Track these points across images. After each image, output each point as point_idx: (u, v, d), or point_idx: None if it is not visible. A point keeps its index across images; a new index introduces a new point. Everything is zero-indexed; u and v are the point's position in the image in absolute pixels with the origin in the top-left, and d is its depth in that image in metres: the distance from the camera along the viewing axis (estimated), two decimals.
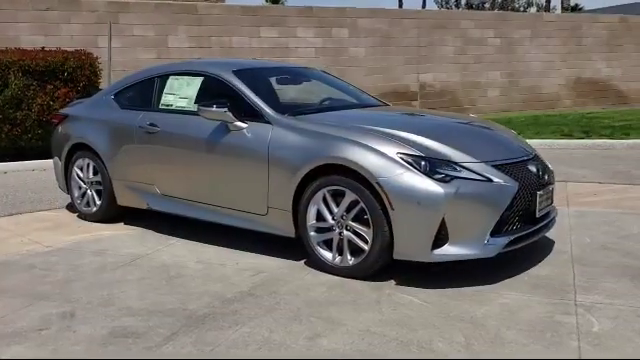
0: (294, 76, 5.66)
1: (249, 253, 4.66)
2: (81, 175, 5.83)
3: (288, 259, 4.49)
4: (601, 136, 10.53)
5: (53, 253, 4.83)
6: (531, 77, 16.21)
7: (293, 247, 4.56)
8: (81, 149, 5.78)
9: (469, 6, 40.55)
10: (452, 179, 3.76)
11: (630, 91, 17.83)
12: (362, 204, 3.90)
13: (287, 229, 4.37)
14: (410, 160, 3.82)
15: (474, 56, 15.30)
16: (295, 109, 4.82)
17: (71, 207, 6.36)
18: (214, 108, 4.57)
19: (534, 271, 4.13)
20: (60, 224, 5.76)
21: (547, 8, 35.18)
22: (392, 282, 3.96)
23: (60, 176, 6.07)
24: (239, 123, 4.59)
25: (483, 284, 3.90)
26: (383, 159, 3.85)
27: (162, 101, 5.27)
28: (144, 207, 5.38)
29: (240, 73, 4.98)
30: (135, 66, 10.92)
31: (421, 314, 3.48)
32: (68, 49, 9.95)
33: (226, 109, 4.55)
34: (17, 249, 4.95)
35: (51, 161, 9.63)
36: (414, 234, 3.75)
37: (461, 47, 15.11)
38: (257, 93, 4.73)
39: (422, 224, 3.71)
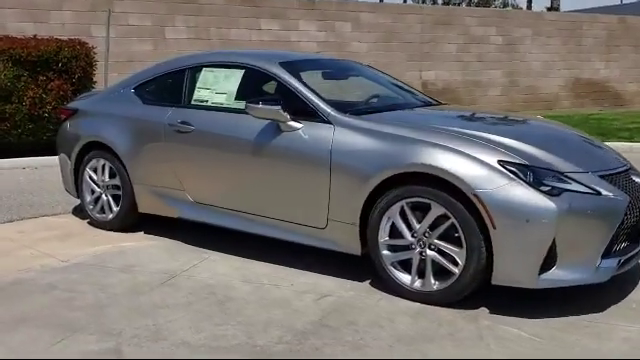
0: (340, 70, 5.08)
1: (301, 271, 4.10)
2: (95, 178, 5.19)
3: (349, 279, 3.93)
4: (619, 139, 10.17)
5: (72, 269, 4.20)
6: (531, 77, 15.88)
7: (350, 264, 4.01)
8: (95, 148, 5.14)
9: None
10: (561, 192, 3.25)
11: (626, 93, 17.65)
12: (453, 220, 3.36)
13: (351, 245, 3.81)
14: (514, 169, 3.29)
15: (476, 54, 14.89)
16: (355, 107, 4.26)
17: (79, 212, 5.72)
18: (265, 105, 3.99)
19: (638, 296, 3.65)
20: (71, 232, 5.11)
21: (529, 7, 35.09)
22: (484, 310, 3.43)
23: (68, 178, 5.40)
24: (293, 123, 4.01)
25: (588, 312, 3.40)
26: (482, 168, 3.31)
27: (195, 96, 4.65)
28: (172, 215, 4.77)
29: (288, 66, 4.40)
30: (129, 58, 10.26)
31: (537, 352, 2.96)
32: (60, 38, 9.20)
33: (279, 107, 3.97)
34: (29, 264, 4.30)
35: (44, 159, 8.97)
36: (519, 256, 3.22)
37: (464, 45, 14.69)
38: (310, 89, 4.16)
39: (530, 245, 3.19)
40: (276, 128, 4.08)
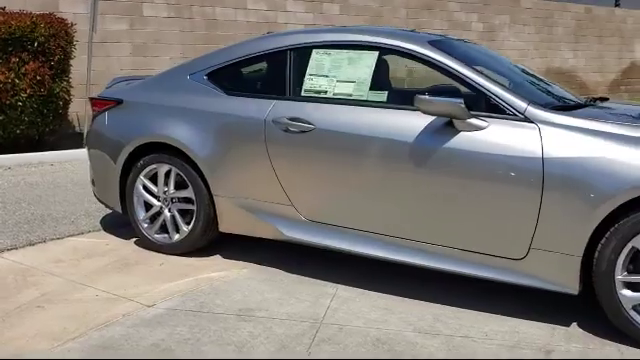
0: (483, 55, 4.02)
1: (479, 312, 3.18)
2: (153, 189, 4.03)
3: (550, 322, 3.06)
4: None
5: (170, 319, 3.09)
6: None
7: (531, 299, 3.15)
8: (155, 151, 3.98)
9: None
10: None
11: (590, 82, 17.65)
12: None
13: (564, 281, 2.93)
14: None
15: None
16: (549, 101, 3.37)
17: (112, 227, 4.56)
18: (443, 99, 3.03)
19: None
20: (125, 260, 3.94)
21: None
22: None
23: (110, 187, 4.19)
24: (475, 121, 3.07)
25: None
26: None
27: (306, 85, 3.60)
28: (270, 236, 3.71)
29: (442, 47, 3.44)
30: (102, 38, 8.87)
31: None
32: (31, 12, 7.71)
33: (461, 100, 3.02)
34: (105, 313, 3.15)
35: (19, 157, 7.47)
36: None
37: (447, 31, 14.01)
38: (487, 76, 3.23)
39: None
40: (445, 127, 3.13)
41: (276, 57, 3.75)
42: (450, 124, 3.11)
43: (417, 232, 3.24)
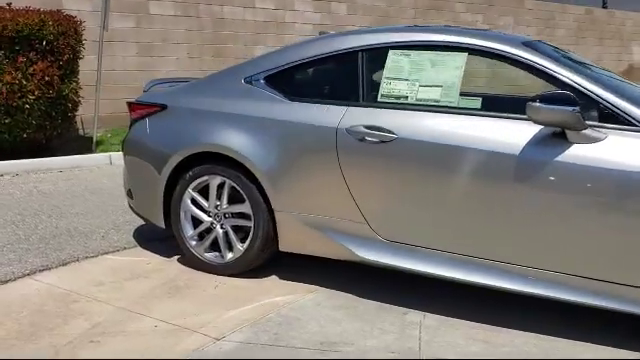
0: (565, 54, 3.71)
1: (597, 346, 2.85)
2: (203, 203, 3.66)
3: None
4: None
5: (247, 354, 2.73)
6: (511, 68, 15.24)
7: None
8: (206, 162, 3.61)
9: None
10: None
11: None
12: None
13: None
14: None
15: None
16: None
17: (148, 242, 4.19)
18: (557, 107, 2.70)
19: None
20: (174, 282, 3.56)
21: None
22: None
23: (154, 201, 3.80)
24: (592, 132, 2.75)
25: None
26: None
27: (383, 90, 3.25)
28: (342, 257, 3.35)
29: (538, 48, 3.13)
30: (108, 37, 8.37)
31: None
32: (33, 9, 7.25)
33: (577, 108, 2.70)
34: (168, 347, 2.78)
35: (26, 163, 6.99)
36: None
37: None
38: (597, 82, 2.92)
39: None
40: (553, 138, 2.81)
41: (346, 59, 3.40)
42: (560, 135, 2.79)
43: (520, 256, 2.91)
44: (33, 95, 6.74)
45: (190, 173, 3.65)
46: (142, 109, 3.94)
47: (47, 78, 6.83)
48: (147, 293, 3.40)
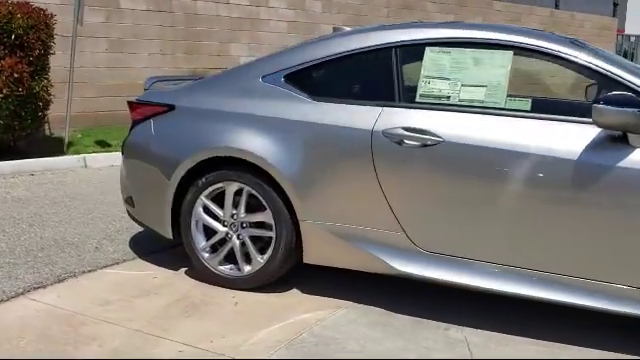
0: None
1: None
2: (218, 212, 3.35)
3: None
4: None
5: None
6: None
7: None
8: (222, 167, 3.30)
9: None
10: None
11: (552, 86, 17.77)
12: None
13: None
14: None
15: None
16: None
17: (155, 256, 3.84)
18: (626, 108, 2.53)
19: None
20: (189, 299, 3.25)
21: None
22: None
23: (160, 209, 3.46)
24: None
25: None
26: None
27: (422, 90, 3.01)
28: (376, 270, 3.11)
29: (586, 47, 2.95)
30: (77, 31, 7.87)
31: None
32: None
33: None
34: None
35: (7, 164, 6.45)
36: None
37: None
38: None
39: None
40: (612, 142, 2.63)
41: (378, 56, 3.15)
42: (621, 139, 2.62)
43: (578, 268, 2.73)
44: (1, 93, 6.24)
45: (203, 179, 3.34)
46: (145, 109, 3.61)
47: (16, 75, 6.32)
48: (161, 312, 3.08)
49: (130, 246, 4.05)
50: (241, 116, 3.30)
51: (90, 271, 3.62)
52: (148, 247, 3.99)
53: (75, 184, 5.95)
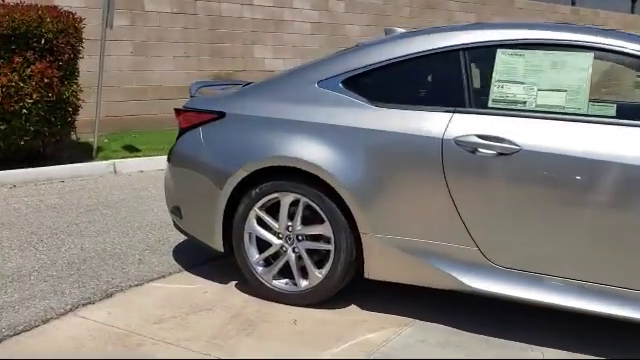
0: None
1: None
2: (273, 224, 3.20)
3: None
4: None
5: None
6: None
7: None
8: (277, 177, 3.15)
9: None
10: None
11: None
12: None
13: None
14: None
15: None
16: None
17: (201, 269, 3.70)
18: None
19: None
20: (245, 316, 3.09)
21: None
22: None
23: (211, 221, 3.31)
24: None
25: None
26: None
27: (494, 94, 2.84)
28: (449, 288, 2.92)
29: None
30: (100, 35, 7.75)
31: None
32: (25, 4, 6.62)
33: None
34: None
35: (24, 172, 6.33)
36: None
37: None
38: None
39: None
40: None
41: (444, 59, 2.98)
42: None
43: None
44: (31, 99, 6.15)
45: (257, 190, 3.19)
46: (194, 117, 3.46)
47: (46, 80, 6.24)
48: (219, 331, 2.93)
49: (174, 258, 3.91)
50: (297, 124, 3.14)
51: (137, 285, 3.48)
52: (192, 259, 3.85)
53: (107, 191, 5.83)
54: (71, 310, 3.12)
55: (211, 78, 9.50)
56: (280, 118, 3.19)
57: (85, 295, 3.30)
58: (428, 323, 3.03)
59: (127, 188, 6.00)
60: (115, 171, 6.73)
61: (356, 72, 3.12)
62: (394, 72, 3.08)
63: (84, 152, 7.23)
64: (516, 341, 2.84)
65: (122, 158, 7.05)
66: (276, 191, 3.16)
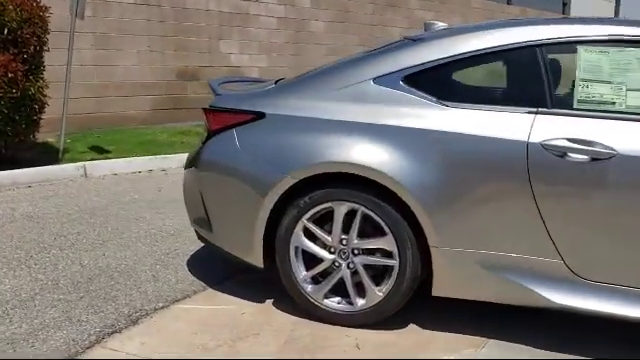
0: None
1: None
2: (325, 237, 2.86)
3: None
4: None
5: None
6: None
7: None
8: (330, 184, 2.81)
9: None
10: None
11: None
12: None
13: None
14: None
15: None
16: None
17: (227, 285, 3.32)
18: None
19: None
20: (298, 340, 2.74)
21: None
22: None
23: (249, 234, 2.93)
24: None
25: None
26: None
27: (579, 94, 2.61)
28: (531, 304, 2.66)
29: None
30: (60, 27, 7.07)
31: None
32: None
33: None
34: None
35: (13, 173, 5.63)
36: None
37: (406, 29, 13.38)
38: None
39: None
40: None
41: (520, 55, 2.72)
42: None
43: None
44: None
45: (306, 199, 2.84)
46: (226, 117, 3.06)
47: (10, 74, 5.63)
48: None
49: (191, 273, 3.51)
50: (352, 125, 2.81)
51: (162, 307, 3.06)
52: (212, 274, 3.46)
53: (84, 197, 5.31)
54: (97, 342, 2.69)
55: (175, 74, 9.00)
56: (331, 119, 2.85)
57: (107, 322, 2.87)
58: (501, 342, 2.77)
59: (105, 193, 5.49)
60: (86, 174, 6.17)
61: (420, 68, 2.81)
62: (465, 68, 2.81)
63: (48, 153, 6.64)
64: (577, 355, 2.63)
65: (91, 160, 6.49)
66: (329, 200, 2.83)
